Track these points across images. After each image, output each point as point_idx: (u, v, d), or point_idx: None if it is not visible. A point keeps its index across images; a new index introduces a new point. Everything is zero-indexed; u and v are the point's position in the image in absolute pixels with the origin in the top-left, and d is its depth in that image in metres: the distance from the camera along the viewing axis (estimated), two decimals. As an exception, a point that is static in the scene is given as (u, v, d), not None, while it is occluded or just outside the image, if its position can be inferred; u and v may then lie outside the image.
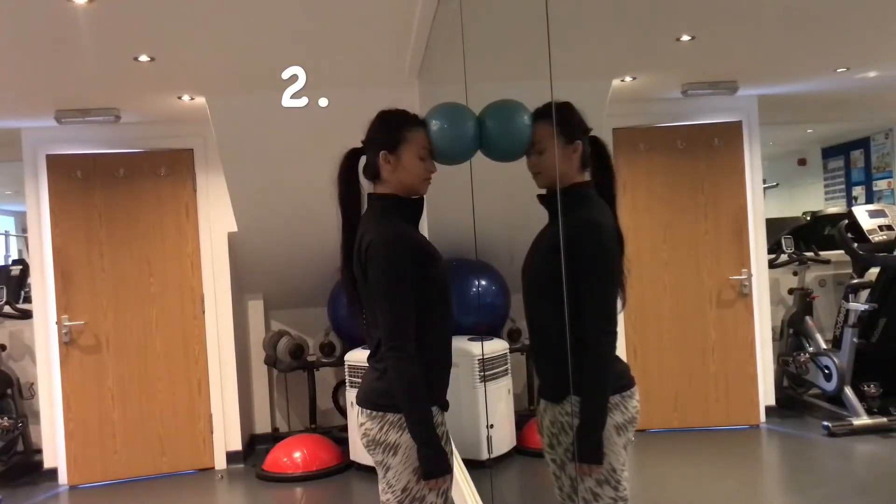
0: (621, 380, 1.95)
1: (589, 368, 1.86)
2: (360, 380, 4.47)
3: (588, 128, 2.02)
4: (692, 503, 3.86)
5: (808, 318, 5.34)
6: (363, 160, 2.05)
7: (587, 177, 2.02)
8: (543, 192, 2.04)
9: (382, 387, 1.92)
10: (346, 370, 4.64)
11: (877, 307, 4.88)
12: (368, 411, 1.96)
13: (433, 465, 1.86)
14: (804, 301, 5.42)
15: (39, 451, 4.96)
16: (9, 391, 5.02)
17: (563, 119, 1.95)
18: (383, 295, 1.89)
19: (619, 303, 1.98)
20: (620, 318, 4.92)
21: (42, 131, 4.78)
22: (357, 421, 2.03)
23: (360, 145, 2.06)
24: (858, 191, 7.41)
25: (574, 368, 1.86)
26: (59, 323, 4.79)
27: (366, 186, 2.07)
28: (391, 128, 2.00)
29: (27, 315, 5.02)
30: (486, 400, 4.34)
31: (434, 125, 2.00)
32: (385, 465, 1.94)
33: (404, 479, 1.91)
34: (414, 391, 1.86)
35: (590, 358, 1.85)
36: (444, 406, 2.01)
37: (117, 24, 3.04)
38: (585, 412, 1.86)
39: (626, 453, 1.94)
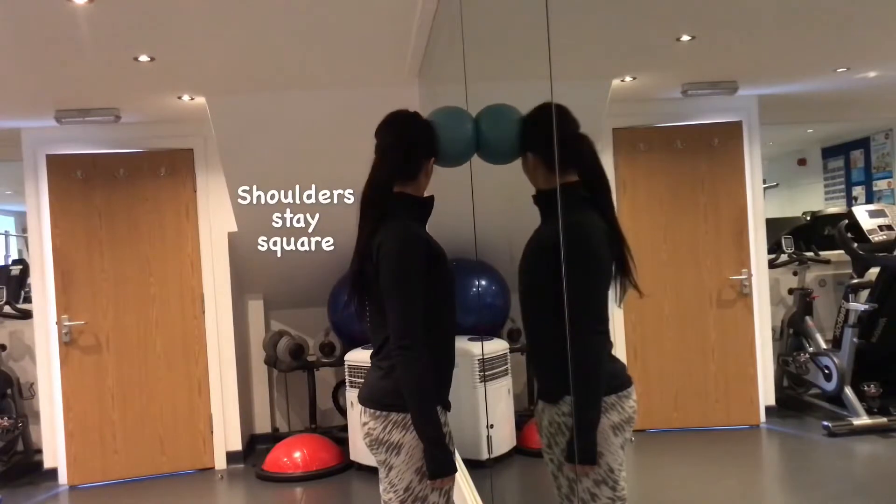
0: (617, 379, 1.95)
1: (579, 368, 1.85)
2: (360, 380, 4.48)
3: (571, 131, 2.00)
4: (692, 503, 3.86)
5: (808, 318, 5.34)
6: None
7: (574, 177, 2.02)
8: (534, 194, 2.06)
9: (387, 386, 1.93)
10: (346, 370, 4.64)
11: (877, 307, 4.88)
12: (372, 410, 1.96)
13: (439, 465, 1.86)
14: (804, 301, 5.42)
15: (39, 451, 4.96)
16: (9, 391, 5.02)
17: (532, 128, 1.99)
18: (394, 294, 1.89)
19: (615, 299, 1.98)
20: (620, 318, 4.99)
21: (42, 131, 4.78)
22: (360, 420, 2.03)
23: (372, 143, 2.06)
24: (858, 191, 7.41)
25: (568, 369, 1.86)
26: (59, 323, 4.79)
27: None
28: (434, 135, 2.02)
29: (27, 315, 5.01)
30: (486, 400, 4.34)
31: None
32: (388, 465, 1.94)
33: (407, 478, 1.91)
34: (423, 390, 1.87)
35: (579, 357, 1.85)
36: (447, 406, 2.01)
37: (117, 24, 3.04)
38: (577, 412, 1.86)
39: (624, 453, 1.94)
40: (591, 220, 1.95)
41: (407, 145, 2.00)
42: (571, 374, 1.85)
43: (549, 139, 1.90)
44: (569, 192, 1.97)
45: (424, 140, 2.01)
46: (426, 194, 2.07)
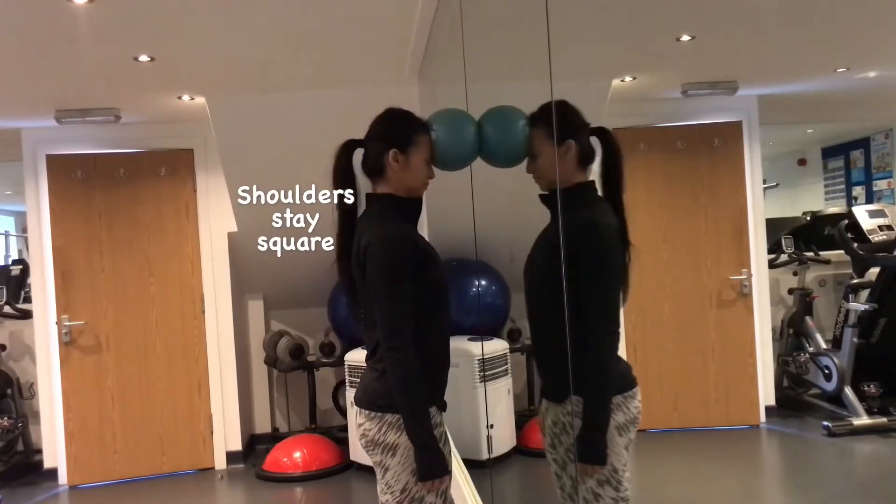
0: (623, 380, 1.95)
1: (591, 368, 1.85)
2: (359, 380, 4.48)
3: (585, 124, 2.00)
4: (692, 503, 3.86)
5: (808, 318, 5.34)
6: (357, 153, 2.02)
7: (589, 176, 2.02)
8: (545, 192, 2.03)
9: (381, 387, 1.92)
10: (346, 370, 4.64)
11: (877, 307, 4.88)
12: (367, 412, 1.96)
13: (430, 467, 1.86)
14: (804, 301, 5.42)
15: (39, 451, 4.96)
16: (9, 391, 5.01)
17: (550, 121, 1.93)
18: (382, 295, 1.89)
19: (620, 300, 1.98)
20: (620, 318, 4.99)
21: (42, 131, 4.77)
22: (356, 421, 2.03)
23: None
24: (858, 191, 7.41)
25: (576, 368, 1.86)
26: (59, 323, 4.79)
27: (361, 181, 2.05)
28: (404, 128, 1.98)
29: (27, 315, 5.01)
30: (486, 400, 4.34)
31: (433, 132, 1.99)
32: (384, 466, 1.94)
33: (403, 479, 1.91)
34: (411, 392, 1.86)
35: (592, 358, 1.85)
36: (443, 406, 2.01)
37: (117, 24, 3.04)
38: (588, 412, 1.86)
39: (628, 454, 1.94)
40: (607, 218, 1.94)
41: (366, 143, 2.00)
42: (582, 374, 1.85)
43: (583, 128, 1.95)
44: (583, 190, 1.97)
45: (381, 134, 1.99)
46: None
